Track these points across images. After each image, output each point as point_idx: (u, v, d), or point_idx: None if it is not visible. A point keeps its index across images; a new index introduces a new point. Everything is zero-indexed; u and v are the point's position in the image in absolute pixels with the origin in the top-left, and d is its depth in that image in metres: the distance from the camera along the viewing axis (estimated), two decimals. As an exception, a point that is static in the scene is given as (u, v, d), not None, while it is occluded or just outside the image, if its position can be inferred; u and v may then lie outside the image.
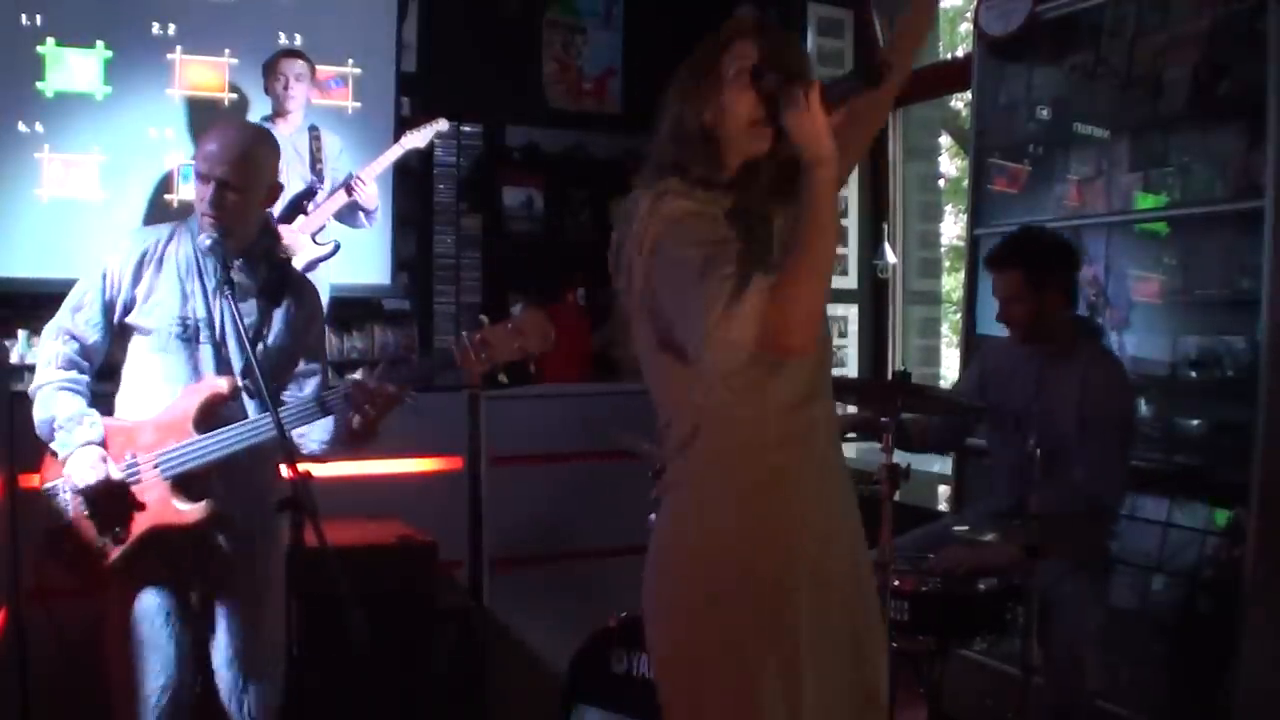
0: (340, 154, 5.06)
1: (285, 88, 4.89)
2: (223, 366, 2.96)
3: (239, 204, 2.92)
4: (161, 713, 2.92)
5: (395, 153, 5.10)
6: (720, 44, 2.17)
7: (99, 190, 5.01)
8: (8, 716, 3.80)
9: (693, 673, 2.15)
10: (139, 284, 2.95)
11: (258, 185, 2.99)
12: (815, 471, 2.18)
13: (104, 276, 2.96)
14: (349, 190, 4.92)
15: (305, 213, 4.90)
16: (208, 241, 2.87)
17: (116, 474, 2.86)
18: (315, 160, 4.96)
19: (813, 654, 2.10)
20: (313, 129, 5.00)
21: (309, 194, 4.93)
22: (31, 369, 3.10)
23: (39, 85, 4.89)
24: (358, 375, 5.17)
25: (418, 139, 5.13)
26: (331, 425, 2.98)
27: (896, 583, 3.20)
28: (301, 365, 3.10)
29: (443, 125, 5.22)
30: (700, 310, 1.98)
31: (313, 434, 2.99)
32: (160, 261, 2.96)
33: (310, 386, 3.04)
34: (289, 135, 4.93)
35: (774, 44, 2.14)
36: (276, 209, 4.80)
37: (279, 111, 4.94)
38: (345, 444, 2.99)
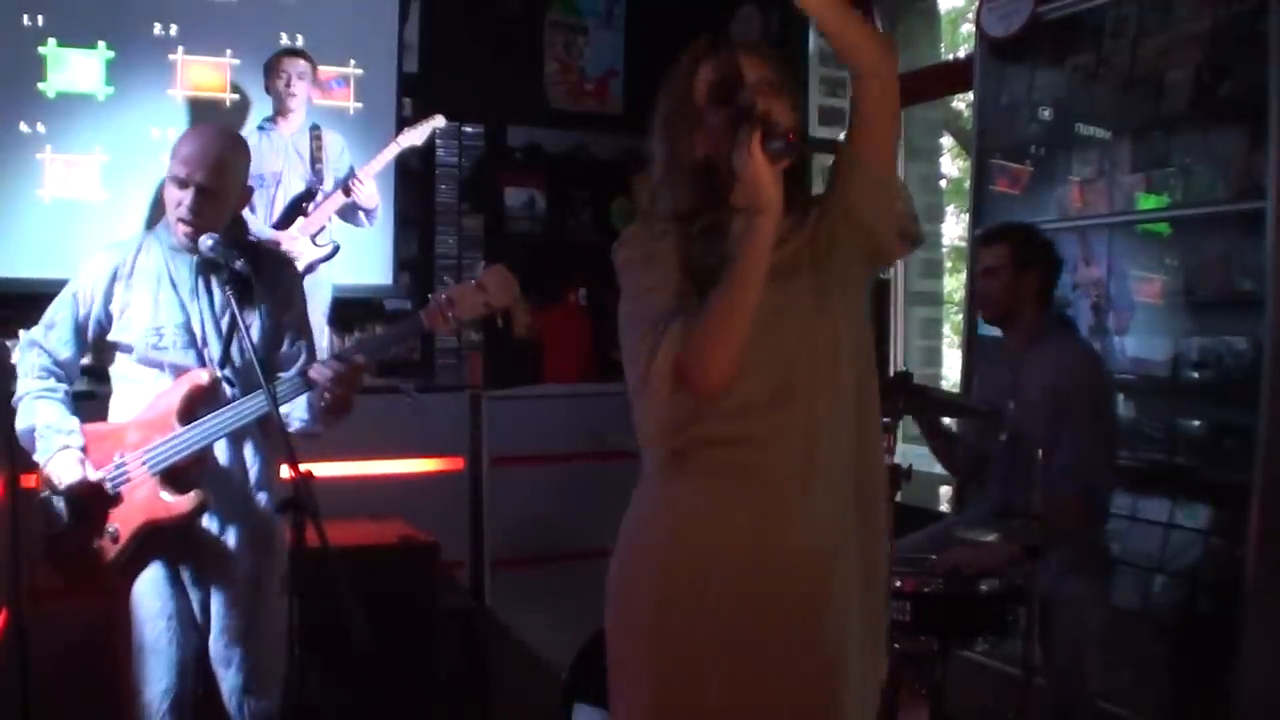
0: (342, 153, 5.06)
1: (287, 85, 4.89)
2: (204, 366, 2.99)
3: (215, 209, 2.97)
4: (164, 717, 2.93)
5: (392, 151, 5.09)
6: (686, 71, 2.15)
7: (101, 191, 5.01)
8: (8, 718, 3.80)
9: (616, 669, 2.17)
10: (113, 300, 3.01)
11: (232, 190, 3.03)
12: (788, 483, 2.07)
13: (75, 297, 3.03)
14: (347, 190, 4.91)
15: (305, 214, 4.90)
16: (209, 241, 2.89)
17: (94, 475, 2.90)
18: (315, 160, 4.96)
19: (725, 668, 2.05)
20: (314, 128, 5.00)
21: (308, 195, 4.93)
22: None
23: (41, 86, 4.89)
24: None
25: (415, 136, 5.12)
26: (307, 403, 3.00)
27: (899, 583, 3.20)
28: (286, 346, 3.11)
29: (439, 122, 5.20)
30: (629, 366, 2.06)
31: (295, 413, 3.02)
32: (131, 275, 3.01)
33: (295, 369, 3.04)
34: (290, 135, 4.93)
35: (730, 63, 2.09)
36: (276, 210, 4.82)
37: (280, 111, 4.94)
38: (323, 420, 3.03)
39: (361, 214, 5.02)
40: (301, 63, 4.92)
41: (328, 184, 4.97)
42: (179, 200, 2.94)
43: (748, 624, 2.05)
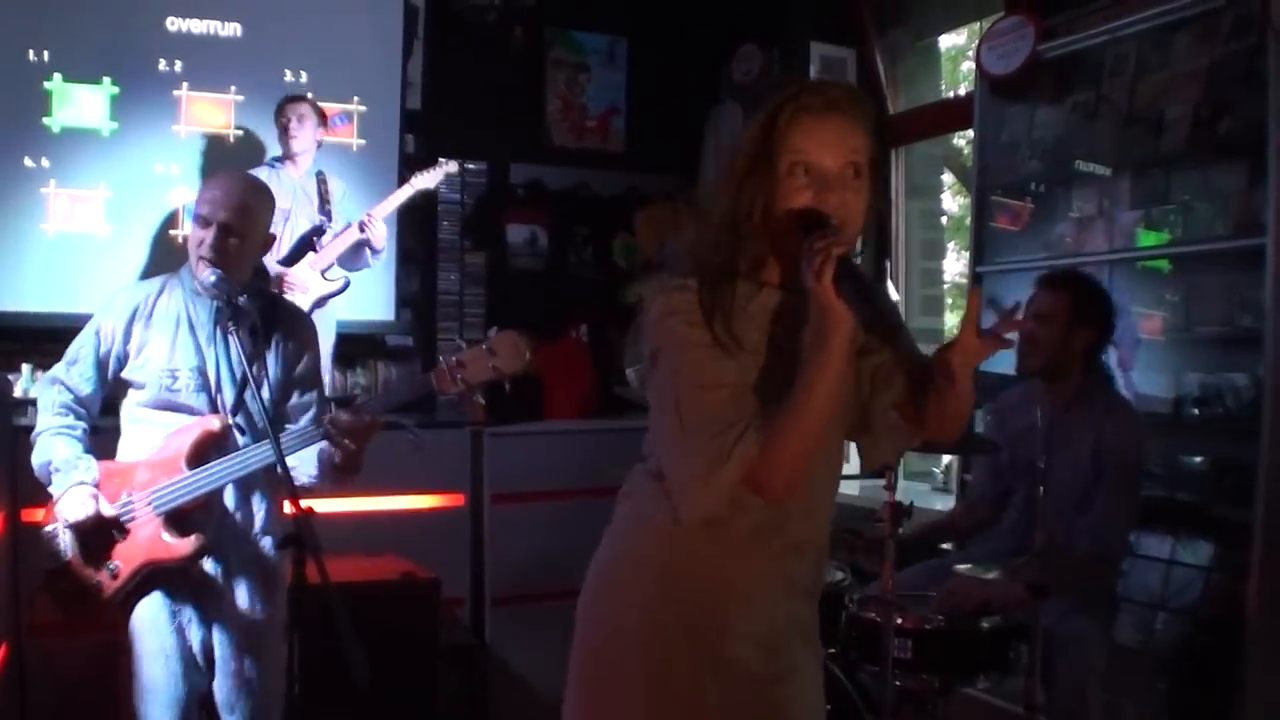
0: (344, 198, 5.08)
1: (286, 130, 4.92)
2: (216, 411, 3.00)
3: (238, 249, 3.00)
4: None
5: (405, 193, 5.12)
6: (771, 122, 1.98)
7: (105, 225, 5.04)
8: (7, 753, 3.79)
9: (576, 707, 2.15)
10: (130, 339, 3.03)
11: (256, 233, 3.08)
12: (761, 578, 2.10)
13: (97, 333, 3.06)
14: (361, 228, 4.94)
15: (315, 250, 4.92)
16: (212, 277, 2.92)
17: (108, 510, 2.92)
18: (324, 201, 4.98)
19: None
20: (320, 174, 5.02)
21: (318, 231, 4.95)
22: (35, 403, 3.16)
23: (46, 121, 4.92)
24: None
25: (428, 180, 5.15)
26: (316, 458, 3.01)
27: (900, 620, 3.19)
28: (296, 398, 3.14)
29: (452, 168, 5.24)
30: (679, 459, 1.99)
31: (304, 467, 3.02)
32: (151, 315, 3.04)
33: (305, 419, 3.07)
34: (298, 179, 4.95)
35: (825, 138, 1.96)
36: (285, 247, 4.84)
37: (287, 155, 4.97)
38: (331, 477, 3.02)
39: (368, 253, 5.04)
40: (303, 106, 4.96)
41: (337, 223, 4.99)
42: (201, 239, 2.97)
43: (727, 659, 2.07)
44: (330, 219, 4.99)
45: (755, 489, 1.97)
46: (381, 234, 5.00)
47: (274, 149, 5.05)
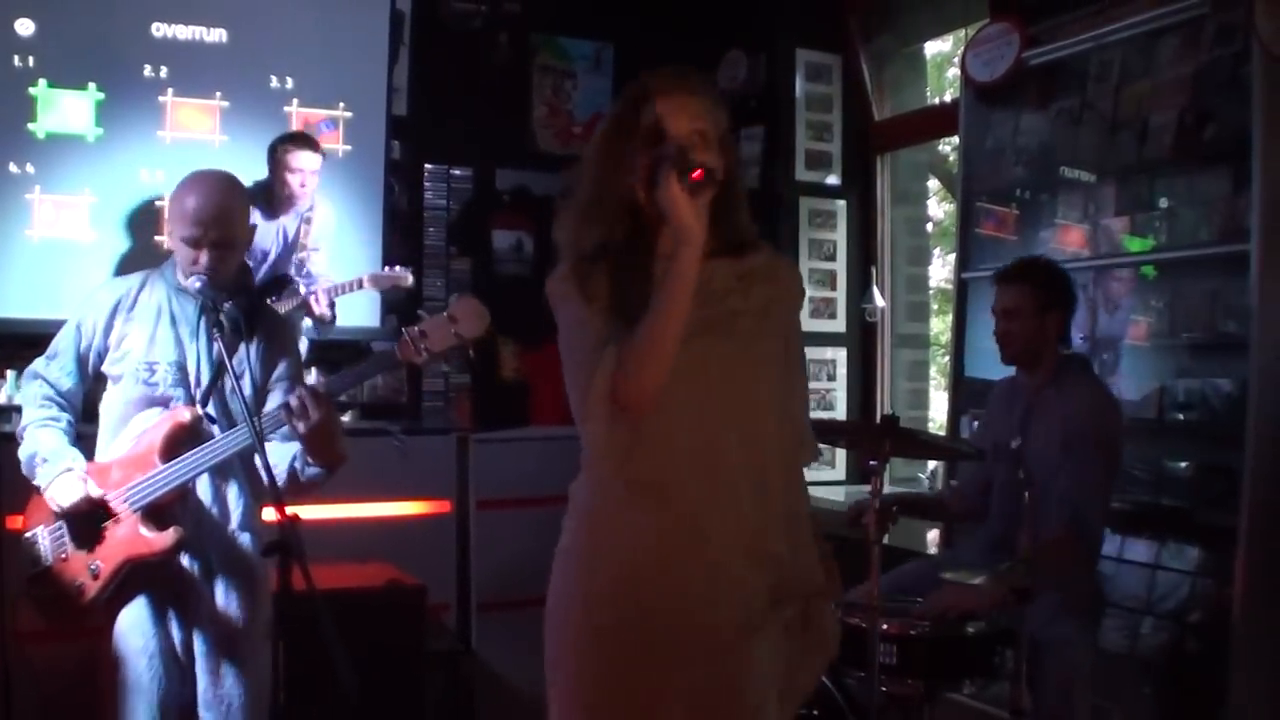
0: (325, 223, 5.08)
1: (287, 180, 4.88)
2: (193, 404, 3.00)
3: (230, 259, 3.02)
4: None
5: (354, 288, 5.03)
6: (635, 103, 2.25)
7: (89, 232, 5.02)
8: (-9, 761, 3.78)
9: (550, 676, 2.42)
10: (111, 333, 3.04)
11: (243, 234, 3.09)
12: (701, 515, 2.21)
13: (78, 328, 3.06)
14: (309, 306, 4.91)
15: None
16: (197, 284, 2.91)
17: (95, 491, 2.92)
18: (299, 247, 4.95)
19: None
20: (307, 215, 5.00)
21: (279, 285, 4.93)
22: (19, 410, 3.16)
23: (31, 126, 4.90)
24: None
25: (380, 282, 5.06)
26: (299, 449, 2.98)
27: (884, 626, 3.19)
28: (280, 397, 3.11)
29: (407, 280, 5.11)
30: (572, 392, 2.21)
31: (282, 464, 2.97)
32: (133, 308, 3.04)
33: (278, 404, 3.05)
34: (281, 219, 4.94)
35: (674, 107, 2.21)
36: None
37: (287, 198, 4.92)
38: (308, 449, 2.98)
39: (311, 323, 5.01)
40: (317, 160, 4.92)
41: (315, 262, 4.98)
42: (194, 258, 2.96)
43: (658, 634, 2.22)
44: (301, 268, 4.96)
45: (617, 400, 2.14)
46: (321, 313, 4.94)
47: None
